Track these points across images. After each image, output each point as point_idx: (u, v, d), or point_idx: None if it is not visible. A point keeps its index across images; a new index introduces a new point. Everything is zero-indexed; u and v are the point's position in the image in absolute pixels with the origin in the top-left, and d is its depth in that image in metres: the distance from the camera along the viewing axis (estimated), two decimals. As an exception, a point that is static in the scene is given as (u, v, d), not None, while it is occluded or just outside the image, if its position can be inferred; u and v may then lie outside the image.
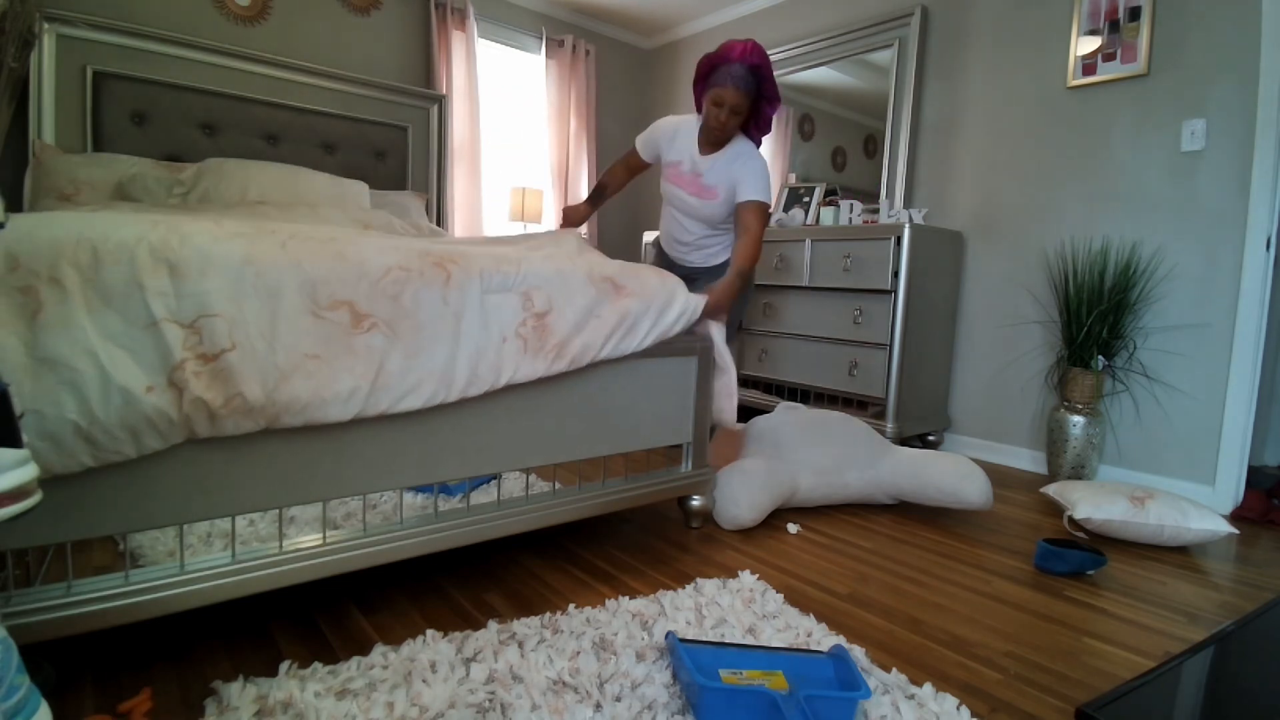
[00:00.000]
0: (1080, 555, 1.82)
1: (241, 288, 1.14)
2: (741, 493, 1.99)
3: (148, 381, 1.04)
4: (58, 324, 1.00)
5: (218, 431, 1.13)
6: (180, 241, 1.11)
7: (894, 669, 1.30)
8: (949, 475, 2.16)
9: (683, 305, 1.80)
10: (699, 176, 2.28)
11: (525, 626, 1.37)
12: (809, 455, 2.21)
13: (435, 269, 1.37)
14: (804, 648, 1.33)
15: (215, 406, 1.10)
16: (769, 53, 4.08)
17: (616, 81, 4.95)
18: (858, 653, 1.33)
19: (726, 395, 2.00)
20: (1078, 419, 2.67)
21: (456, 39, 4.00)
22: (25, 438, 0.91)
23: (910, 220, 3.07)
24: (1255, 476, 2.66)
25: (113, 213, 1.20)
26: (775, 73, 4.08)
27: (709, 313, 1.91)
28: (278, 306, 1.16)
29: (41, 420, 0.97)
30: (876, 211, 3.46)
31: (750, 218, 2.15)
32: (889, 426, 2.94)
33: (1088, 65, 2.81)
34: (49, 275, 1.01)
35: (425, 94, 3.85)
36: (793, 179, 4.01)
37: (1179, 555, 2.04)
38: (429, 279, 1.36)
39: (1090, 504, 2.12)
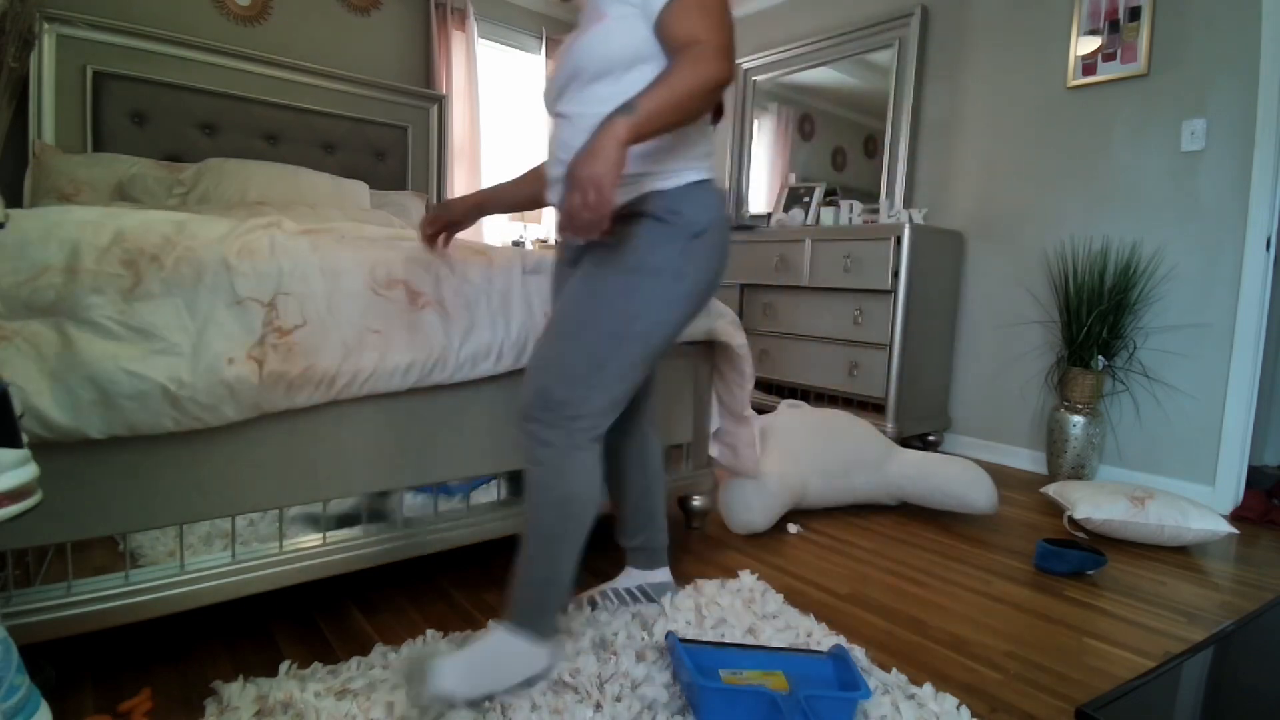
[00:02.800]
0: (1080, 555, 1.82)
1: (309, 269, 1.24)
2: (755, 499, 1.98)
3: (229, 354, 1.12)
4: (152, 297, 1.08)
5: (291, 402, 1.19)
6: (258, 235, 1.23)
7: (894, 669, 1.30)
8: (957, 481, 2.16)
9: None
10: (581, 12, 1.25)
11: (525, 626, 1.37)
12: (817, 458, 2.20)
13: (476, 254, 1.46)
14: (804, 648, 1.33)
15: (292, 376, 1.18)
16: (769, 52, 4.09)
17: (616, 81, 4.94)
18: (858, 653, 1.33)
19: (749, 444, 1.97)
20: (1078, 419, 2.67)
21: (456, 39, 4.00)
22: (119, 394, 1.02)
23: (910, 220, 3.07)
24: (1255, 476, 2.65)
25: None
26: (775, 72, 4.10)
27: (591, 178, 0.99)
28: (341, 286, 1.27)
29: (134, 381, 1.04)
30: (876, 211, 3.45)
31: (687, 19, 1.16)
32: (889, 426, 2.94)
33: (1088, 65, 2.80)
34: (151, 253, 1.09)
35: (425, 94, 3.85)
36: (793, 179, 4.01)
37: (1179, 555, 2.04)
38: (472, 260, 1.45)
39: (1090, 504, 2.12)
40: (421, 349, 1.33)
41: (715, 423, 2.00)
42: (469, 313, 1.41)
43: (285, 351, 1.17)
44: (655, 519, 1.51)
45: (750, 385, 1.92)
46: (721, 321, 1.82)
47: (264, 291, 1.17)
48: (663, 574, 1.54)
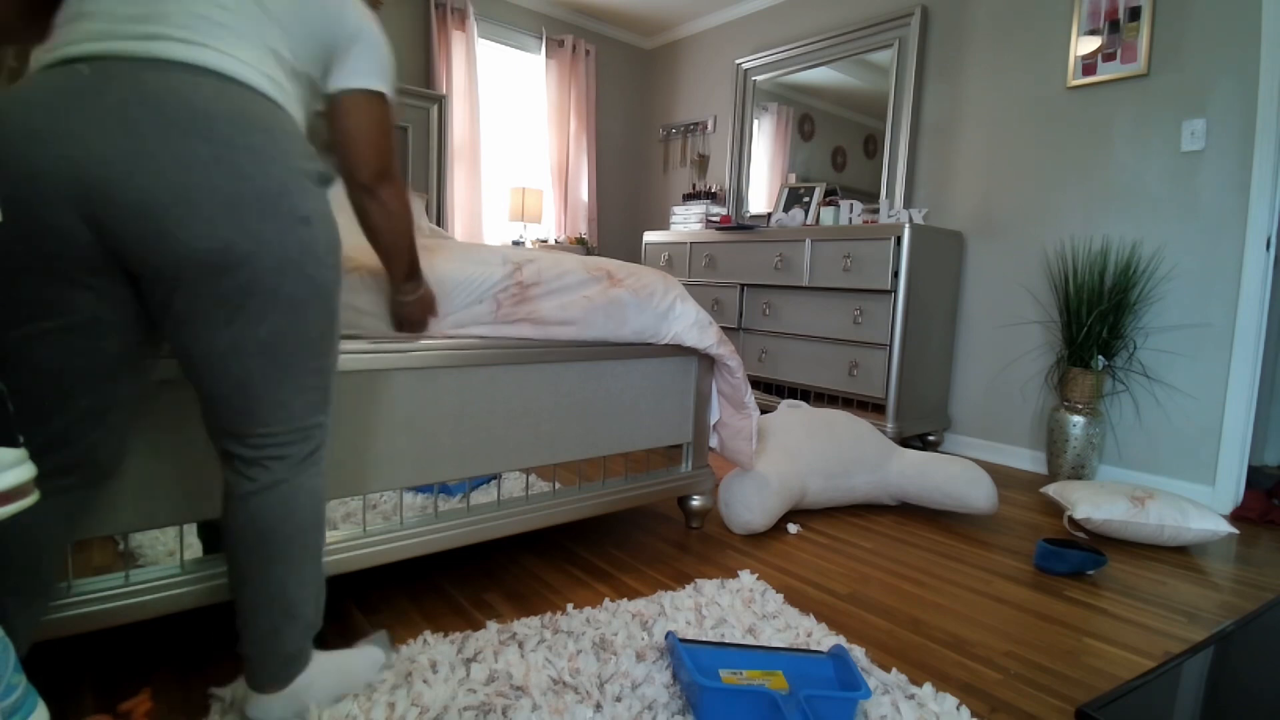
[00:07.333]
0: (1080, 555, 1.82)
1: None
2: (755, 498, 1.98)
3: (480, 296, 1.44)
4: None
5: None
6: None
7: (894, 669, 1.29)
8: (956, 480, 2.16)
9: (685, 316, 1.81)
10: None
11: (525, 626, 1.37)
12: (817, 458, 2.20)
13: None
14: (804, 648, 1.33)
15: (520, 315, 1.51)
16: (769, 52, 4.09)
17: (616, 81, 4.95)
18: (858, 653, 1.33)
19: (745, 438, 1.96)
20: (1078, 419, 2.67)
21: (456, 39, 4.00)
22: None
23: (910, 220, 3.07)
24: (1255, 476, 2.65)
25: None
26: (774, 73, 4.10)
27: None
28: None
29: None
30: (876, 211, 3.45)
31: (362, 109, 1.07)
32: (889, 426, 2.94)
33: (1088, 65, 2.80)
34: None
35: (425, 94, 3.85)
36: (793, 179, 4.01)
37: (1179, 555, 2.04)
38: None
39: (1090, 504, 2.12)
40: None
41: (715, 414, 2.01)
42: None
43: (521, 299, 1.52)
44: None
45: (741, 375, 1.92)
46: (681, 324, 1.80)
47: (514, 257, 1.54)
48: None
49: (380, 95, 1.07)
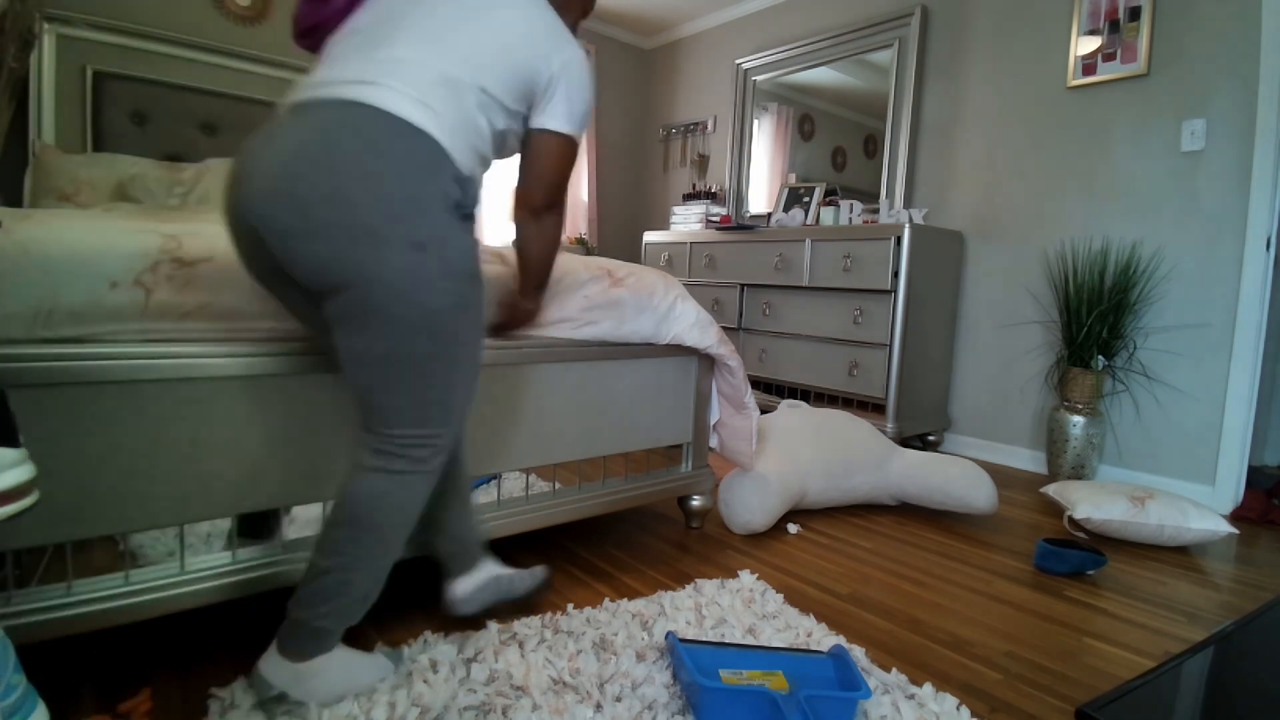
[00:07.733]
0: (1080, 555, 1.82)
1: None
2: (755, 498, 1.98)
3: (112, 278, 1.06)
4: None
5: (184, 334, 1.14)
6: None
7: (894, 669, 1.29)
8: (957, 481, 2.16)
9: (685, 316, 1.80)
10: None
11: (525, 626, 1.37)
12: (817, 458, 2.20)
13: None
14: (804, 648, 1.33)
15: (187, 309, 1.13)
16: (769, 52, 4.09)
17: (616, 81, 4.95)
18: (858, 653, 1.33)
19: (745, 438, 1.96)
20: (1078, 419, 2.67)
21: (456, 39, 4.00)
22: None
23: (910, 220, 3.07)
24: (1255, 476, 2.65)
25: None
26: (774, 73, 4.10)
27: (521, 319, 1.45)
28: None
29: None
30: (876, 211, 3.45)
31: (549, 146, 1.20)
32: (889, 426, 2.94)
33: (1088, 65, 2.80)
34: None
35: (425, 94, 3.85)
36: (793, 179, 4.01)
37: (1179, 555, 2.04)
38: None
39: (1090, 504, 2.12)
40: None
41: (715, 414, 2.01)
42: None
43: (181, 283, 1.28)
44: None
45: (741, 375, 1.92)
46: (681, 324, 1.80)
47: None
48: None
49: (566, 138, 1.19)
